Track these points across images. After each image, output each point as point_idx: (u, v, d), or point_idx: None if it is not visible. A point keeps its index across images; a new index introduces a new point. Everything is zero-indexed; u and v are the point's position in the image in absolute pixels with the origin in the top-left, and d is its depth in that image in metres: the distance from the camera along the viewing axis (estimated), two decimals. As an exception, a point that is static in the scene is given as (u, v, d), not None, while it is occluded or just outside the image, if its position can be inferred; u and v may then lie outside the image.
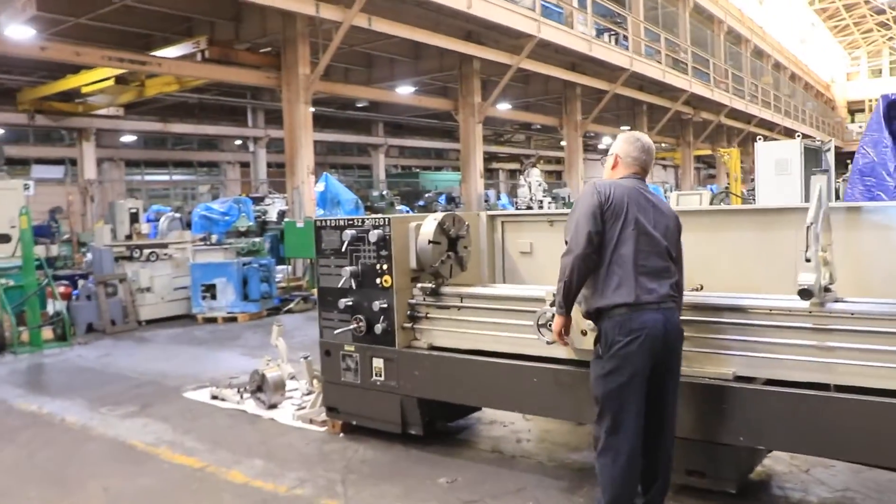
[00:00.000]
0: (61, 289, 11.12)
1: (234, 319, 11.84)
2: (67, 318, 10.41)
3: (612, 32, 23.93)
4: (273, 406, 6.52)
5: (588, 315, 3.79)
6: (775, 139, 35.48)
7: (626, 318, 3.58)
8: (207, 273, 12.01)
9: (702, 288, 4.83)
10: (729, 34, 36.81)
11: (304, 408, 6.33)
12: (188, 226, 15.90)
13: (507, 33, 18.39)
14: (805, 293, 3.76)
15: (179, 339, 10.58)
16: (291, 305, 12.75)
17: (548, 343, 4.30)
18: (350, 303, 5.44)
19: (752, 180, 20.92)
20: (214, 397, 6.98)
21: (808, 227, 3.85)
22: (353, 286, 5.42)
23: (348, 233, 5.38)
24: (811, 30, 56.95)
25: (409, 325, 5.31)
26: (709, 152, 41.24)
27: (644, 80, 26.62)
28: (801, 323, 3.93)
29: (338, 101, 25.23)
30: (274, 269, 12.89)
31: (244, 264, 12.13)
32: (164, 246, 12.81)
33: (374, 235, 5.23)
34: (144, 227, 13.63)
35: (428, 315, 5.26)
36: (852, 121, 61.75)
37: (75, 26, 15.04)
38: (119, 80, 16.34)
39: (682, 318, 3.98)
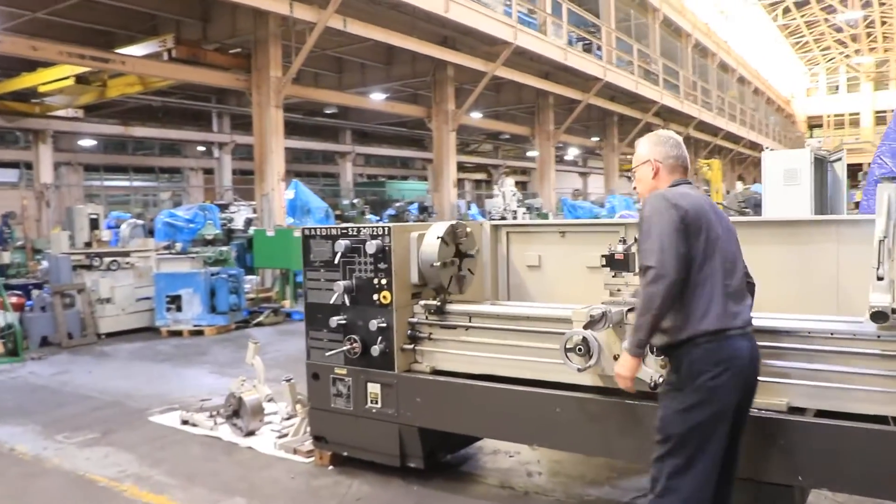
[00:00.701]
0: (13, 299, 10.36)
1: (200, 333, 11.17)
2: (20, 331, 9.69)
3: (586, 42, 23.71)
4: (251, 433, 5.92)
5: (662, 348, 3.26)
6: (741, 152, 35.60)
7: (714, 347, 3.08)
8: (173, 283, 11.33)
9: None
10: (696, 48, 36.91)
11: (285, 435, 5.75)
12: (151, 233, 15.16)
13: (483, 40, 18.04)
14: (879, 316, 3.32)
15: (143, 355, 9.89)
16: (261, 318, 12.11)
17: (578, 370, 3.80)
18: (343, 321, 4.89)
19: (728, 192, 20.76)
20: (185, 422, 6.36)
21: (879, 242, 3.42)
22: (347, 302, 4.87)
23: (342, 243, 4.83)
24: (773, 45, 57.66)
25: (409, 346, 4.77)
26: (675, 165, 41.33)
27: (616, 91, 26.49)
28: (868, 349, 3.49)
29: (305, 108, 24.65)
30: (243, 280, 12.24)
31: (212, 274, 11.47)
32: (126, 254, 12.10)
33: (371, 246, 4.69)
34: (105, 234, 12.88)
35: (431, 336, 4.73)
36: (811, 135, 62.60)
37: (32, 21, 14.30)
38: (79, 79, 15.56)
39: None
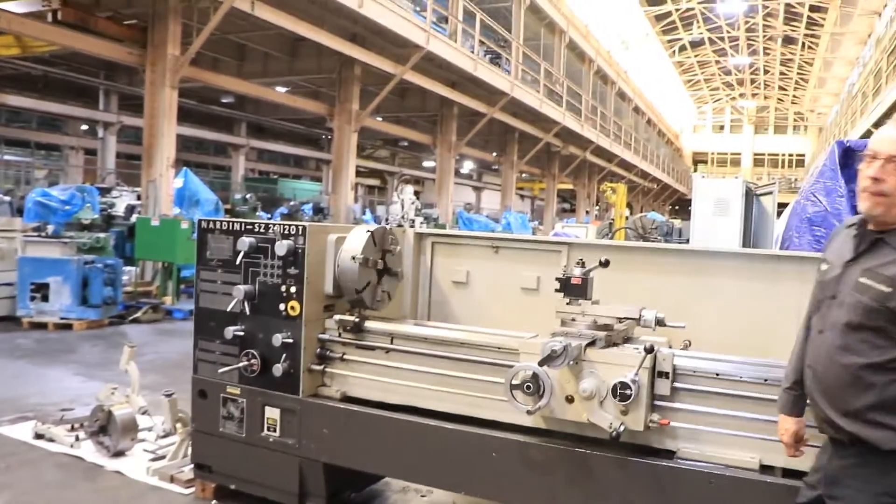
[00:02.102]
0: None
1: (69, 327, 10.06)
2: None
3: (494, 55, 23.51)
4: (119, 453, 5.09)
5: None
6: (632, 181, 36.37)
7: None
8: (40, 270, 10.16)
9: (690, 345, 3.97)
10: (597, 73, 37.52)
11: (162, 458, 4.97)
12: (20, 212, 13.77)
13: (394, 41, 17.46)
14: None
15: (-4, 349, 8.76)
16: (138, 314, 11.06)
17: (528, 412, 3.25)
18: (240, 332, 4.18)
19: (627, 218, 20.89)
20: (40, 436, 5.44)
21: None
22: (247, 311, 4.17)
23: (245, 241, 4.13)
24: (668, 80, 59.72)
25: (318, 367, 4.11)
26: (570, 186, 41.91)
27: (520, 108, 26.38)
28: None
29: (199, 94, 23.35)
30: (121, 271, 11.16)
31: (86, 263, 10.37)
32: (-14, 234, 10.82)
33: (281, 247, 4.01)
34: (-38, 211, 11.50)
35: (344, 356, 4.09)
36: (695, 170, 65.40)
37: None
38: (-56, 36, 13.99)
39: (700, 389, 3.12)
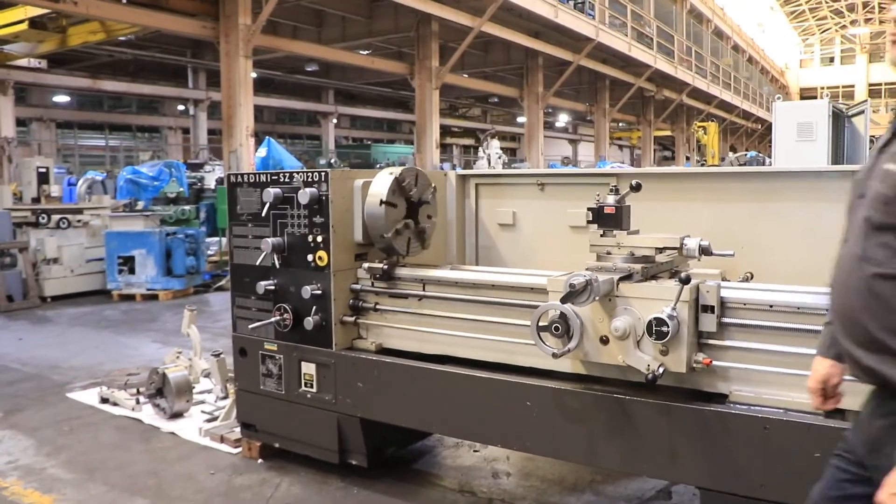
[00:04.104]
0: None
1: (154, 297, 10.31)
2: (-50, 293, 8.82)
3: (578, 0, 22.67)
4: (177, 415, 5.08)
5: None
6: (734, 122, 34.61)
7: None
8: (125, 243, 10.42)
9: (752, 278, 3.57)
10: (691, 12, 35.77)
11: (215, 419, 4.93)
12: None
13: (469, -8, 17.01)
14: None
15: (85, 320, 9.02)
16: (223, 282, 11.23)
17: (554, 356, 2.96)
18: (272, 286, 4.03)
19: (724, 159, 19.93)
20: (105, 400, 5.51)
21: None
22: (277, 264, 4.01)
23: (271, 192, 3.95)
24: (769, 14, 56.60)
25: (350, 318, 3.92)
26: (667, 133, 40.39)
27: (608, 53, 25.45)
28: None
29: (286, 65, 23.57)
30: (203, 241, 11.33)
31: (168, 234, 10.57)
32: (79, 211, 11.17)
33: (304, 195, 3.82)
34: (55, 190, 11.91)
35: (377, 306, 3.88)
36: (805, 108, 61.59)
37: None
38: (34, 24, 14.41)
39: (752, 323, 2.76)
